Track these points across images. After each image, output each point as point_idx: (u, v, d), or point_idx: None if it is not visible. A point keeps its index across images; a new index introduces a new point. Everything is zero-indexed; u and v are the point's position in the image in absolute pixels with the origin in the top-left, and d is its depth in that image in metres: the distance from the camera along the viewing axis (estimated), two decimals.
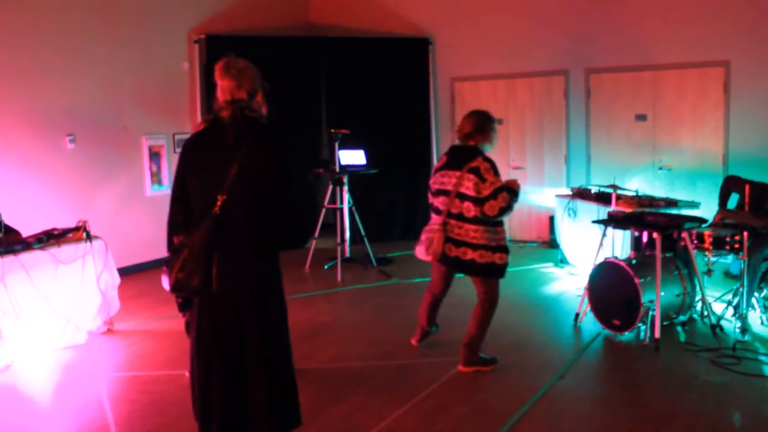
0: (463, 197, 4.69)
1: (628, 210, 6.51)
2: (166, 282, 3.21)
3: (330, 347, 5.50)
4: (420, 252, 4.87)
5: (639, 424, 4.14)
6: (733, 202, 6.51)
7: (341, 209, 8.34)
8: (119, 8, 8.03)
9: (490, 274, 4.76)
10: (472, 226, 4.69)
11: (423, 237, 4.86)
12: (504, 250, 4.77)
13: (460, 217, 4.72)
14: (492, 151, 4.91)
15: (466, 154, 4.74)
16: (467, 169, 4.67)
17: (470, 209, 4.67)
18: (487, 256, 4.70)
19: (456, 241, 4.74)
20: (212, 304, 3.12)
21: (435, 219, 4.88)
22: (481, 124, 4.81)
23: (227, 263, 3.04)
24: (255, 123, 3.16)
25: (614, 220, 6.03)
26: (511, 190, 4.75)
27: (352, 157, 8.66)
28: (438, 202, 4.85)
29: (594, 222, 6.33)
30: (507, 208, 4.64)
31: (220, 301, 3.10)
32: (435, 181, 4.89)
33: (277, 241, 3.22)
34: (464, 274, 4.85)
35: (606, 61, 8.78)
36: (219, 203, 3.01)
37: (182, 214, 3.19)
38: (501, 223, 4.78)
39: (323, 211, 8.43)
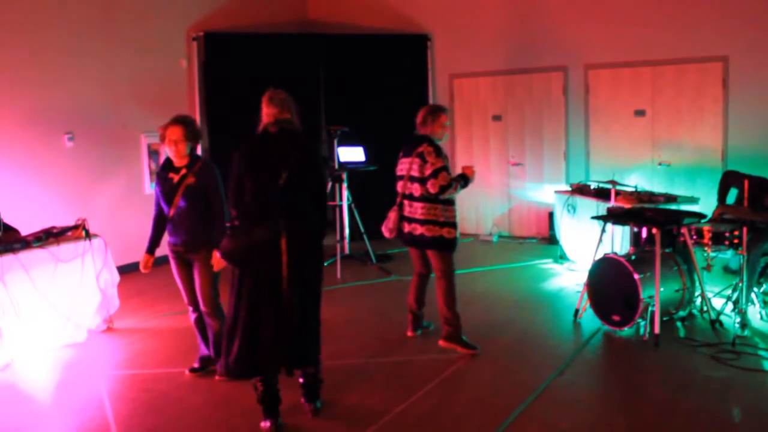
0: (412, 179, 5.23)
1: (628, 206, 6.51)
2: (218, 257, 4.29)
3: (329, 344, 5.48)
4: (384, 230, 5.44)
5: (638, 419, 4.14)
6: (732, 197, 6.51)
7: (340, 206, 8.34)
8: (117, 6, 8.02)
9: (440, 247, 5.20)
10: (419, 203, 5.21)
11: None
12: (452, 225, 5.20)
13: (411, 197, 5.26)
14: (442, 141, 5.36)
15: (416, 142, 5.26)
16: (415, 154, 5.20)
17: (418, 189, 5.20)
18: (435, 230, 5.17)
19: (408, 218, 5.30)
20: (275, 258, 3.93)
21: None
22: (427, 116, 5.32)
23: (292, 227, 3.95)
24: (298, 134, 4.12)
25: (613, 216, 6.04)
26: (464, 176, 5.28)
27: (351, 154, 8.65)
28: (398, 186, 5.39)
29: (593, 218, 6.33)
30: (447, 186, 5.08)
31: (286, 255, 3.94)
32: (397, 168, 5.44)
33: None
34: (418, 248, 5.38)
35: (604, 57, 8.77)
36: (284, 177, 3.92)
37: (237, 206, 4.01)
38: (450, 202, 5.23)
39: None
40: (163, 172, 4.78)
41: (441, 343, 5.28)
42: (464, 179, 5.26)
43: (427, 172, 5.10)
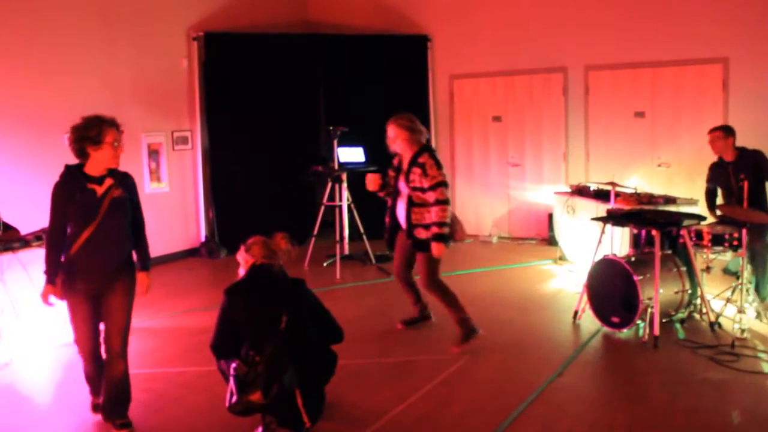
0: None
1: (627, 207, 6.51)
2: (143, 280, 4.19)
3: None
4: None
5: (637, 421, 4.14)
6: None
7: (340, 207, 8.34)
8: (118, 5, 8.02)
9: None
10: None
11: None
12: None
13: None
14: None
15: None
16: None
17: None
18: None
19: None
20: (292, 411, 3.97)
21: None
22: None
23: (305, 377, 3.96)
24: (285, 274, 4.09)
25: (613, 218, 6.03)
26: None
27: (351, 155, 8.65)
28: None
29: (593, 219, 6.33)
30: None
31: (303, 407, 3.97)
32: None
33: None
34: None
35: (604, 58, 8.77)
36: (284, 321, 3.89)
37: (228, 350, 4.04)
38: None
39: (322, 208, 8.42)
40: (76, 183, 3.92)
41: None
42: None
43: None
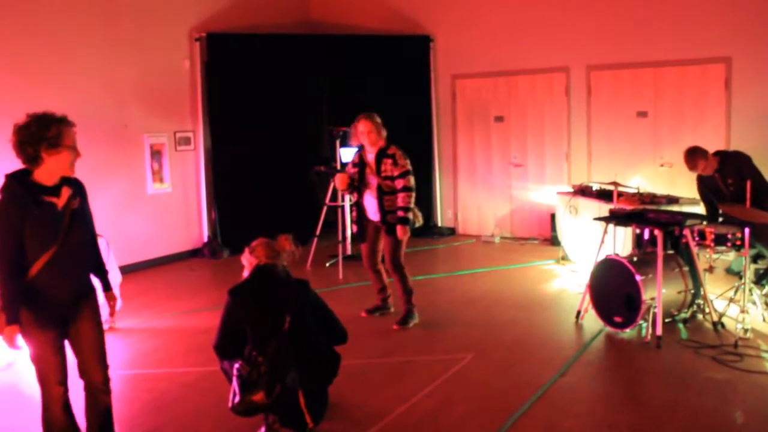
0: None
1: (630, 207, 6.50)
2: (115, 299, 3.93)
3: None
4: None
5: (640, 420, 4.13)
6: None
7: (342, 207, 8.33)
8: (120, 6, 8.04)
9: None
10: None
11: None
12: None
13: None
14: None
15: None
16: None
17: None
18: None
19: None
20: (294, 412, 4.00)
21: None
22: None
23: (307, 378, 3.96)
24: (289, 275, 4.11)
25: (616, 218, 6.03)
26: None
27: (353, 155, 8.63)
28: None
29: (595, 219, 6.32)
30: None
31: (305, 409, 4.00)
32: None
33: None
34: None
35: (607, 58, 8.77)
36: (288, 321, 3.89)
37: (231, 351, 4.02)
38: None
39: (324, 209, 8.42)
40: (31, 196, 3.26)
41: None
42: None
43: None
